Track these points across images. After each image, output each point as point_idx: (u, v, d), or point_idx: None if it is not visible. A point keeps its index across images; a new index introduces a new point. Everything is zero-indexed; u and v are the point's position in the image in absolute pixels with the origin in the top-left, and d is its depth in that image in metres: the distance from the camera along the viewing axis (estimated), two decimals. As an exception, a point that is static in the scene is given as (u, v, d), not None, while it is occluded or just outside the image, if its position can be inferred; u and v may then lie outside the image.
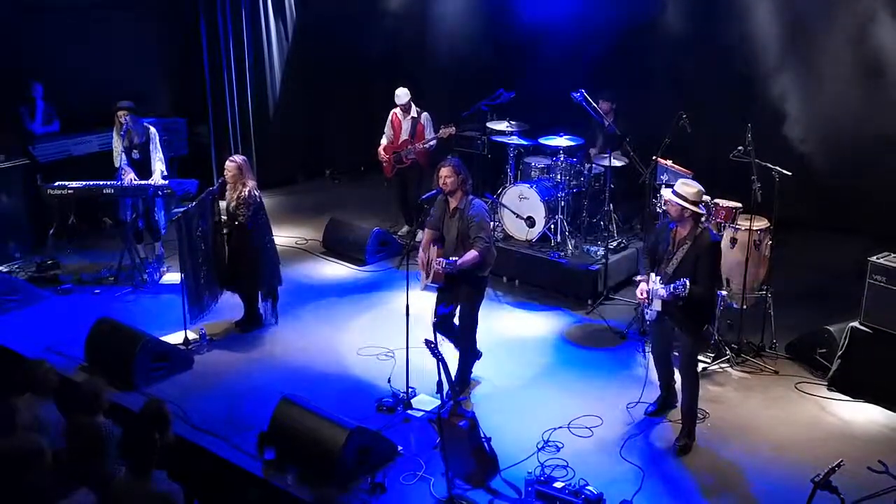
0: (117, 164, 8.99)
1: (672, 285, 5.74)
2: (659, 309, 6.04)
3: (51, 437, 4.92)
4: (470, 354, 6.84)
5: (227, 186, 7.67)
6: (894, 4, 8.60)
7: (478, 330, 6.83)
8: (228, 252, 7.81)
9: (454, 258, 6.35)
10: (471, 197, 6.53)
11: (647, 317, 6.24)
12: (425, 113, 9.81)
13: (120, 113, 8.83)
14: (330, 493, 4.57)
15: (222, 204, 7.90)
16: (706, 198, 7.46)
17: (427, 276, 6.64)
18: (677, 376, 6.41)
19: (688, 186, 5.99)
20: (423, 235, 6.87)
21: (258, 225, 7.61)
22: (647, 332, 7.41)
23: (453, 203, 6.53)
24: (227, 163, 7.68)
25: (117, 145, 8.98)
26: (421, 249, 6.74)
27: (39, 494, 4.50)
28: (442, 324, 6.71)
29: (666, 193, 6.18)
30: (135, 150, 8.90)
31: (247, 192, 7.52)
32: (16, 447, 4.65)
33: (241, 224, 7.52)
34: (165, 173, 9.01)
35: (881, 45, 8.70)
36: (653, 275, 6.08)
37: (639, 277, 6.28)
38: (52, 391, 5.39)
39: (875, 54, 8.79)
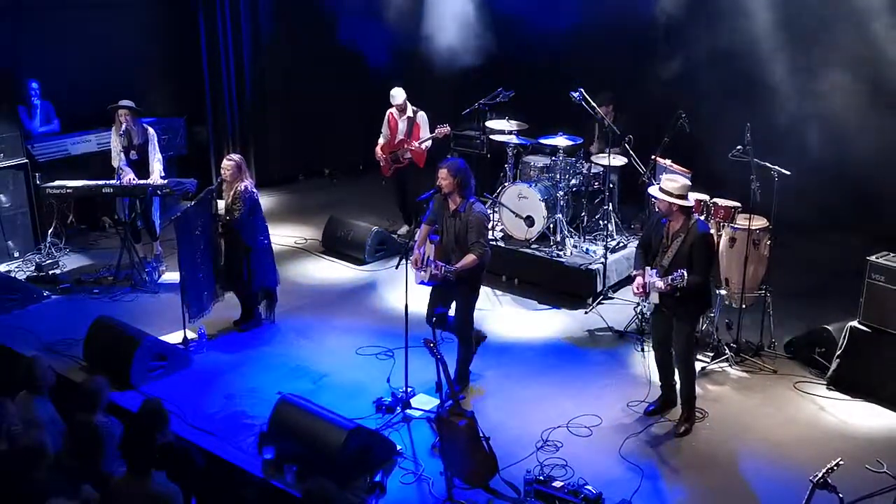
0: (115, 165, 8.98)
1: (670, 277, 5.86)
2: (657, 301, 6.18)
3: (49, 436, 4.92)
4: (468, 352, 6.85)
5: (224, 185, 7.68)
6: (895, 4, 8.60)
7: (478, 328, 6.83)
8: (225, 251, 7.80)
9: (452, 265, 6.36)
10: (472, 200, 6.51)
11: (644, 309, 6.31)
12: (421, 112, 9.80)
13: (120, 112, 8.81)
14: (324, 487, 4.56)
15: (220, 203, 7.90)
16: (704, 196, 7.50)
17: (424, 274, 6.65)
18: (677, 377, 6.45)
19: (673, 182, 6.11)
20: (421, 230, 6.88)
21: (252, 223, 7.61)
22: (646, 332, 7.44)
23: (452, 205, 6.53)
24: (225, 161, 7.67)
25: (116, 145, 8.96)
26: (416, 246, 6.74)
27: (41, 492, 4.51)
28: (439, 322, 6.72)
29: (653, 190, 6.29)
30: (133, 151, 8.89)
31: (243, 188, 7.52)
32: (17, 445, 4.65)
33: (236, 220, 7.51)
34: (163, 173, 9.01)
35: (883, 45, 8.69)
36: (647, 268, 6.17)
37: (634, 272, 6.34)
38: (47, 388, 5.39)
39: (877, 53, 8.78)
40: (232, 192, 7.56)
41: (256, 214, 7.65)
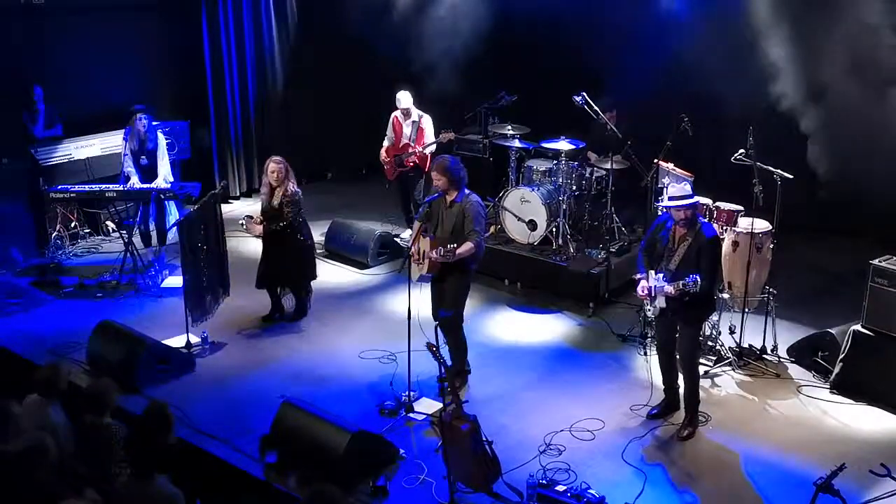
0: (126, 168, 8.99)
1: (682, 281, 5.84)
2: (663, 305, 6.14)
3: (58, 439, 4.93)
4: (457, 348, 6.86)
5: (265, 187, 7.85)
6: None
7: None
8: (270, 251, 7.90)
9: (452, 245, 6.42)
10: (467, 192, 6.66)
11: (649, 313, 6.31)
12: (426, 116, 9.81)
13: (141, 115, 8.86)
14: (327, 491, 4.57)
15: (257, 206, 8.02)
16: (707, 200, 7.50)
17: (421, 268, 6.70)
18: (681, 380, 6.45)
19: (683, 189, 6.13)
20: (415, 227, 6.94)
21: (303, 222, 7.90)
22: (649, 335, 7.44)
23: (449, 198, 6.67)
24: (272, 165, 7.79)
25: (125, 149, 8.99)
26: (411, 242, 6.81)
27: (45, 493, 4.52)
28: (442, 325, 6.74)
29: (668, 204, 6.15)
30: (143, 157, 8.90)
31: (291, 189, 7.74)
32: (21, 446, 4.66)
33: (290, 222, 7.70)
34: (170, 178, 9.03)
35: (884, 49, 8.70)
36: (652, 272, 6.14)
37: (638, 276, 6.32)
38: (60, 393, 5.41)
39: (878, 57, 8.78)
40: (281, 193, 7.73)
41: (302, 214, 7.91)
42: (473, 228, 6.52)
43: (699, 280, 5.77)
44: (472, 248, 6.48)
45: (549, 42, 10.37)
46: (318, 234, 10.31)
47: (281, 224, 7.70)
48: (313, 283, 8.27)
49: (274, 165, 7.79)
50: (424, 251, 6.65)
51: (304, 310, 8.20)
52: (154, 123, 9.23)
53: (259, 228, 7.80)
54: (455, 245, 6.42)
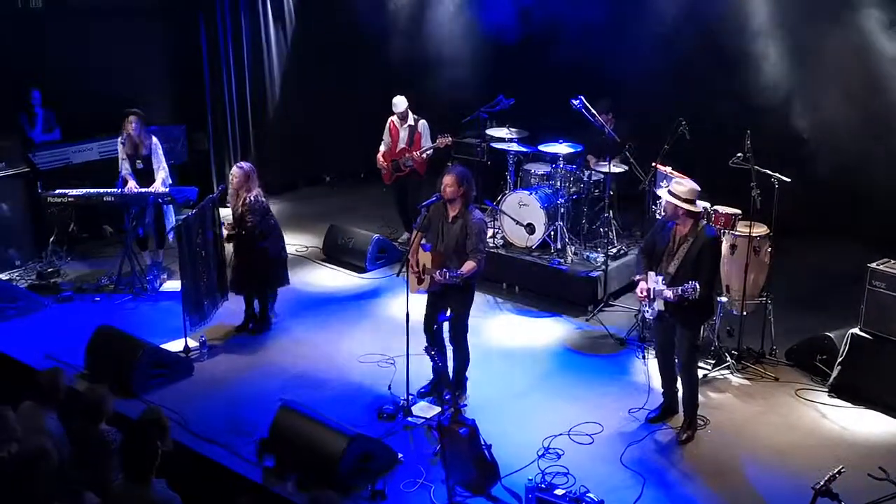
0: (123, 172, 8.97)
1: (681, 288, 5.82)
2: (661, 308, 6.13)
3: (55, 445, 4.92)
4: (464, 358, 6.82)
5: (230, 193, 7.71)
6: (894, 13, 8.63)
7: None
8: (236, 258, 7.81)
9: (458, 271, 6.32)
10: (471, 207, 6.52)
11: (647, 315, 6.30)
12: (422, 121, 9.80)
13: (131, 118, 8.80)
14: (327, 496, 4.56)
15: (227, 211, 7.92)
16: (706, 204, 7.50)
17: (420, 283, 6.65)
18: (679, 384, 6.44)
19: (681, 185, 6.10)
20: (413, 237, 6.85)
21: (268, 229, 7.68)
22: (648, 339, 7.44)
23: (452, 211, 6.53)
24: (234, 169, 7.69)
25: (120, 153, 8.97)
26: (410, 253, 6.71)
27: (43, 498, 4.50)
28: (440, 330, 6.72)
29: (662, 192, 6.24)
30: (139, 161, 8.86)
31: (252, 198, 7.53)
32: (21, 451, 4.66)
33: (249, 229, 7.53)
34: (169, 181, 9.00)
35: (882, 52, 8.72)
36: (651, 273, 6.12)
37: (637, 277, 6.31)
38: (58, 401, 5.40)
39: (876, 61, 8.81)
40: (241, 201, 7.57)
41: (269, 220, 7.70)
42: (477, 247, 6.39)
43: (698, 287, 5.75)
44: (474, 267, 6.36)
45: (548, 45, 10.37)
46: (316, 238, 10.35)
47: (242, 231, 7.55)
48: (281, 290, 8.13)
49: (235, 170, 7.66)
50: (425, 265, 6.58)
51: (267, 322, 8.01)
52: (149, 127, 9.17)
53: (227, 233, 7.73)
54: (462, 271, 6.29)
